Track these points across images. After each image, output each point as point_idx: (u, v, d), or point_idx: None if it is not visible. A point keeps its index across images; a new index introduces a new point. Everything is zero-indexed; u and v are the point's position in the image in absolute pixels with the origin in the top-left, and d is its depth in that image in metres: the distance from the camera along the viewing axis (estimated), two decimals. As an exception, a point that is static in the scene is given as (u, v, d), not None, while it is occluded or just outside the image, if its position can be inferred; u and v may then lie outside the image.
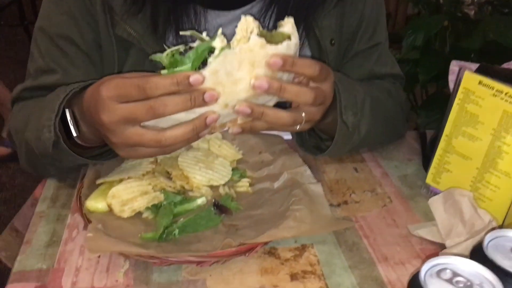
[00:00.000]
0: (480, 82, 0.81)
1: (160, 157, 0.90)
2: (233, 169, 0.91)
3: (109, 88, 0.66)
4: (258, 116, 0.69)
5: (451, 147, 0.86)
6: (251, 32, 0.65)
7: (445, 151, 0.87)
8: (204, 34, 0.68)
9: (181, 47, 0.67)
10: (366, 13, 1.04)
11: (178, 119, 0.66)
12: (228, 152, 0.93)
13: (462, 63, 1.08)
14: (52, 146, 0.80)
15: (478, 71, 0.93)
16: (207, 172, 0.87)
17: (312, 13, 0.96)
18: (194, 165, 0.87)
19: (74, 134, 0.82)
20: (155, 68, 0.90)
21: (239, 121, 0.71)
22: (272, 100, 0.71)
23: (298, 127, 0.75)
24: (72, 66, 0.93)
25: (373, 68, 1.07)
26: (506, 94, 0.78)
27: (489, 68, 0.98)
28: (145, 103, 0.64)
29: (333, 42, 1.00)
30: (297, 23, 0.95)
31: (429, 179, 0.91)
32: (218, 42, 0.65)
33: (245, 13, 0.97)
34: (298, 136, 1.03)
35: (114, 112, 0.66)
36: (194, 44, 0.67)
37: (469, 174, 0.84)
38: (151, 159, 0.89)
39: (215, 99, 0.65)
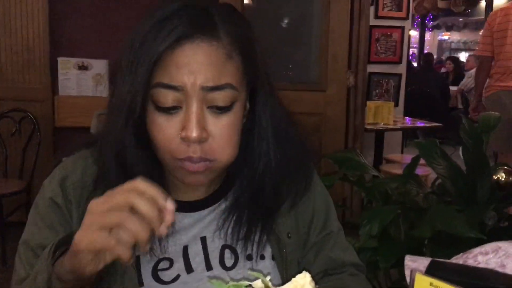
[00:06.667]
0: (431, 284, 0.85)
1: None
2: None
3: None
4: None
5: None
6: None
7: None
8: (268, 278, 0.67)
9: (244, 283, 0.67)
10: (316, 206, 1.13)
11: None
12: None
13: (415, 258, 1.13)
14: None
15: (430, 268, 0.97)
16: None
17: (269, 217, 1.04)
18: None
19: None
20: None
21: None
22: None
23: None
24: None
25: (330, 255, 1.12)
26: (456, 294, 0.81)
27: (441, 265, 1.03)
28: None
29: (289, 235, 1.07)
30: (256, 222, 1.02)
31: None
32: None
33: (209, 214, 1.03)
34: None
35: None
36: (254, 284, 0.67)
37: None
38: None
39: None
